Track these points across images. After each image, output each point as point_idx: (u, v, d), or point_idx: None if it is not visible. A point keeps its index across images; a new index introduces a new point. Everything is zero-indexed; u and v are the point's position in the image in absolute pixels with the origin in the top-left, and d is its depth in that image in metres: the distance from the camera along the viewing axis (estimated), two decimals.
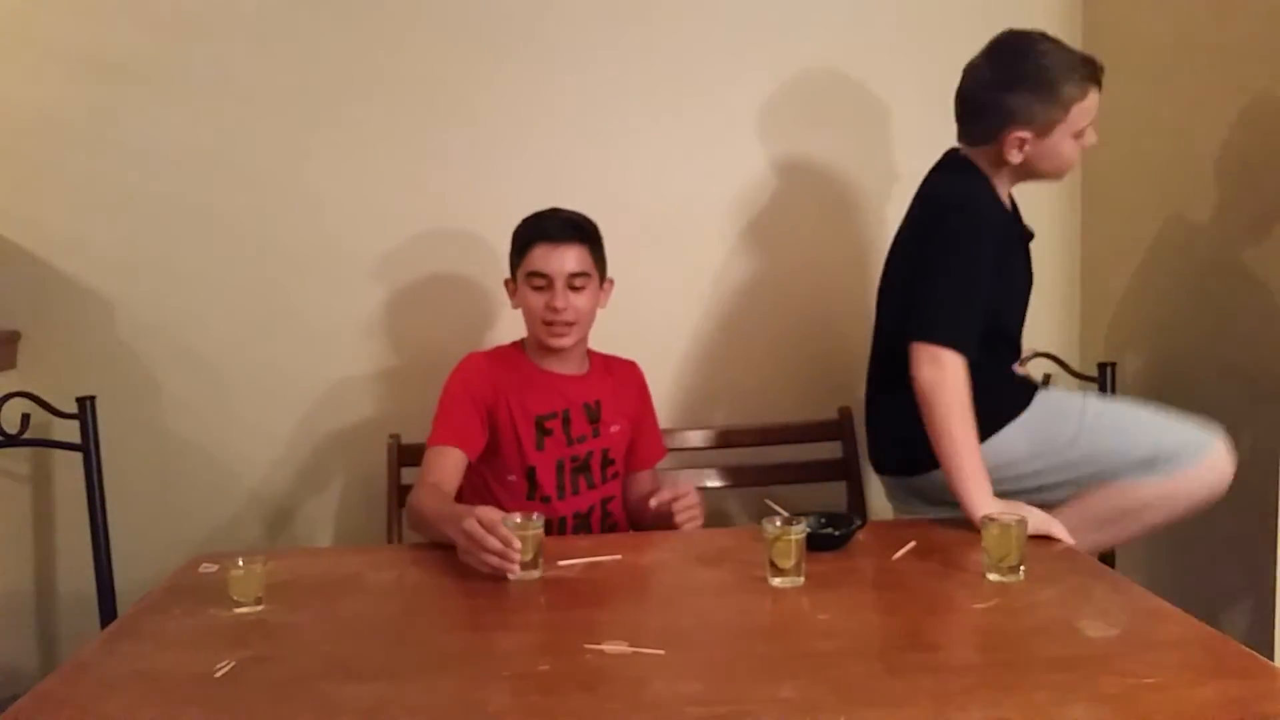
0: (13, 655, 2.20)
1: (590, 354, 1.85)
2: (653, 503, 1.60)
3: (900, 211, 2.28)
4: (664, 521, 1.63)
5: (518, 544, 1.34)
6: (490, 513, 1.37)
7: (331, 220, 2.20)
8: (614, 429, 1.81)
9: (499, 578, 1.37)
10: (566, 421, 1.76)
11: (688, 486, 1.63)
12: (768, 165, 2.26)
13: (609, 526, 1.82)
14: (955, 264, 1.62)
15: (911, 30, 2.25)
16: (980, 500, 1.51)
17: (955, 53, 2.26)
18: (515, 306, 1.79)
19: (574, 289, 1.71)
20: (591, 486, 1.79)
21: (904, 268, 1.76)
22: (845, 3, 2.24)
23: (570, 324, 1.71)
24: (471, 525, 1.35)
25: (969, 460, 1.54)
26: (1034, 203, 2.30)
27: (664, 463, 1.98)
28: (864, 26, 2.25)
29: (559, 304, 1.69)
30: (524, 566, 1.36)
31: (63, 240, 2.16)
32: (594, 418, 1.79)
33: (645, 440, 1.89)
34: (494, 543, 1.34)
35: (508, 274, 1.81)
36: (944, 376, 1.57)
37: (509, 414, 1.73)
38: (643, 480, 1.90)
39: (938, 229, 1.68)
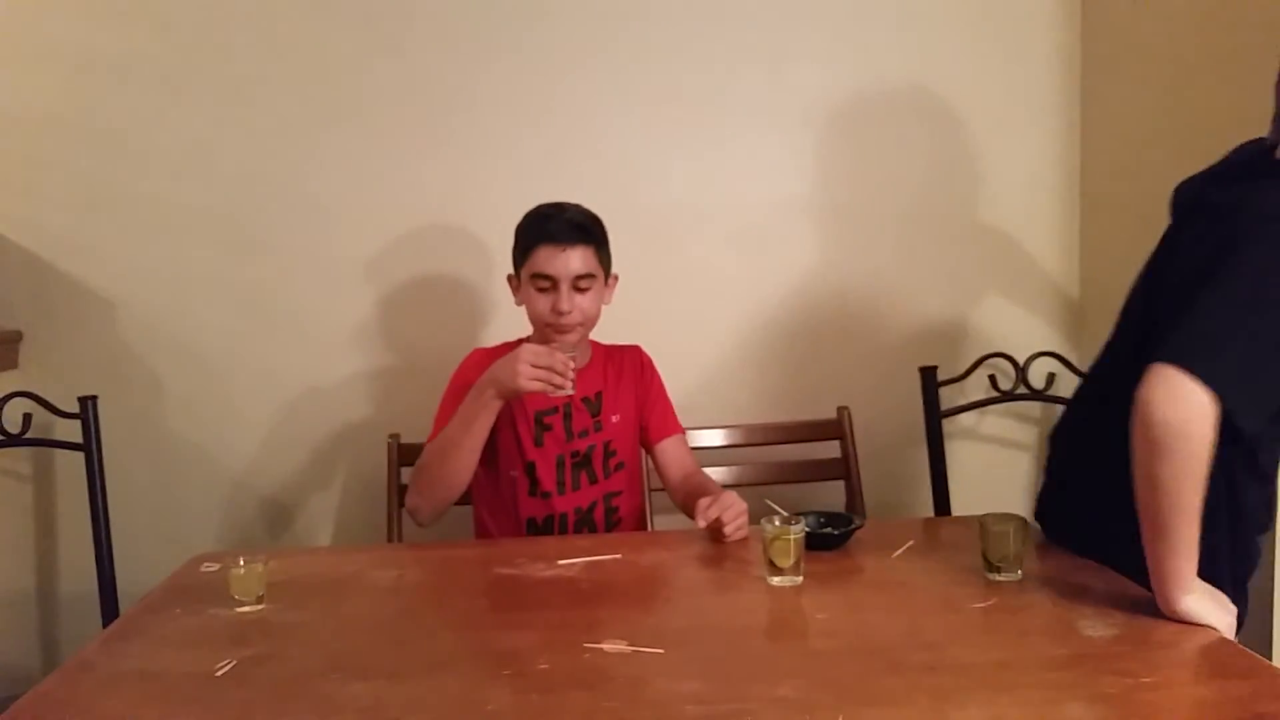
0: (14, 654, 2.20)
1: (593, 345, 1.85)
2: (701, 523, 1.57)
3: (898, 211, 2.30)
4: (715, 530, 1.59)
5: (571, 364, 1.55)
6: (536, 345, 1.60)
7: (331, 220, 2.21)
8: (614, 419, 1.80)
9: (502, 573, 1.38)
10: (567, 416, 1.76)
11: (731, 497, 1.58)
12: (766, 164, 2.26)
13: (614, 523, 1.81)
14: (1258, 294, 1.17)
15: (911, 30, 2.26)
16: (1184, 595, 1.19)
17: (954, 53, 2.28)
18: (519, 304, 1.78)
19: (579, 290, 1.70)
20: (593, 482, 1.78)
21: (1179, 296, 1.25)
22: (844, 3, 2.24)
23: (576, 324, 1.71)
24: (531, 352, 1.55)
25: (1185, 542, 1.16)
26: (1031, 201, 2.32)
27: None
28: (863, 27, 2.25)
29: (564, 307, 1.67)
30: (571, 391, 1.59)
31: (64, 241, 2.17)
32: (595, 411, 1.79)
33: (656, 413, 1.86)
34: (560, 360, 1.54)
35: (509, 269, 1.80)
36: (1190, 418, 1.11)
37: (508, 410, 1.73)
38: (674, 456, 1.84)
39: (1248, 248, 1.20)
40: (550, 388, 1.55)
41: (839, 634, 1.22)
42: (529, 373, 1.54)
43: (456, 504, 1.81)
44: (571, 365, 1.56)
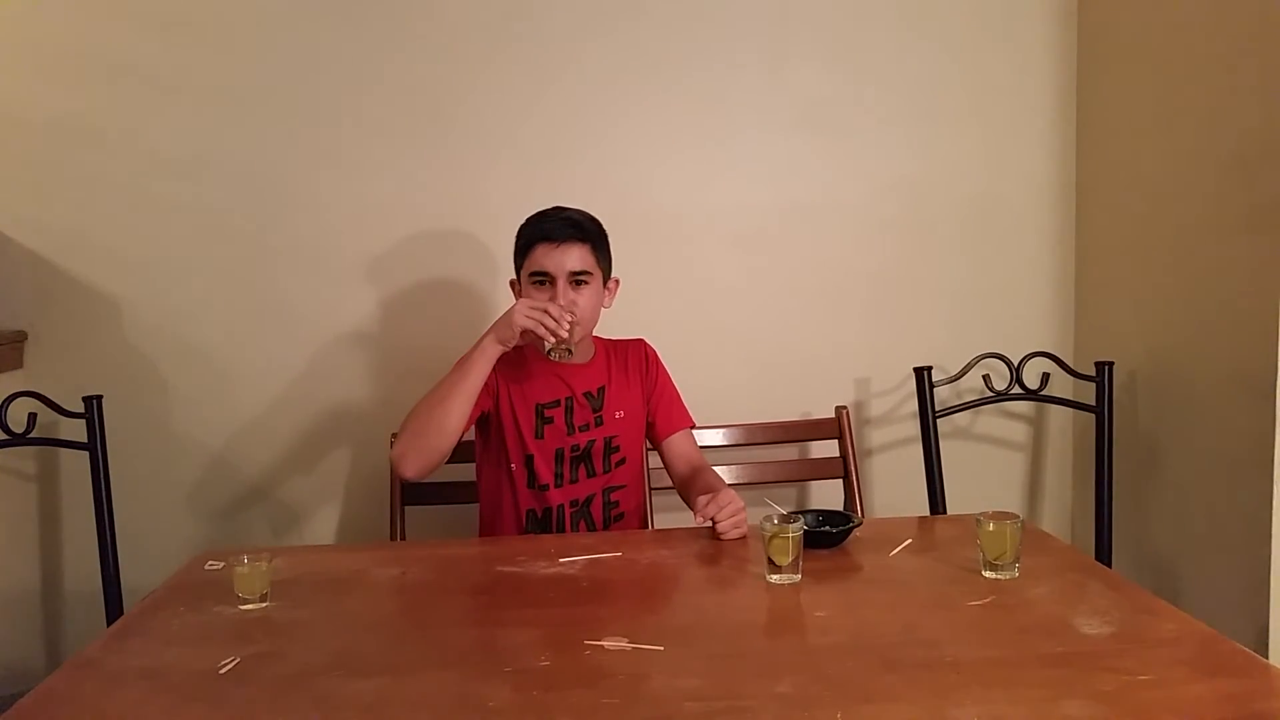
0: (19, 652, 2.21)
1: (595, 340, 1.85)
2: (697, 519, 1.59)
3: (895, 211, 2.30)
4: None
5: (569, 316, 1.63)
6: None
7: (335, 220, 2.21)
8: (619, 415, 1.81)
9: (503, 571, 1.40)
10: (569, 410, 1.77)
11: (729, 496, 1.60)
12: (765, 165, 2.27)
13: (614, 517, 1.82)
14: None
15: (910, 32, 2.26)
16: None
17: (951, 54, 2.29)
18: None
19: (576, 286, 1.71)
20: (591, 475, 1.79)
21: None
22: (844, 4, 2.25)
23: (575, 323, 1.70)
24: (534, 297, 1.68)
25: None
26: (1029, 199, 2.33)
27: None
28: (862, 28, 2.25)
29: (561, 301, 1.68)
30: (567, 347, 1.65)
31: (69, 241, 2.18)
32: (596, 406, 1.79)
33: (663, 408, 1.87)
34: (556, 307, 1.61)
35: (511, 275, 1.81)
36: None
37: (509, 402, 1.75)
38: (680, 452, 1.85)
39: None
40: (543, 329, 1.61)
41: (837, 631, 1.23)
42: (525, 310, 1.61)
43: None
44: (569, 318, 1.62)
